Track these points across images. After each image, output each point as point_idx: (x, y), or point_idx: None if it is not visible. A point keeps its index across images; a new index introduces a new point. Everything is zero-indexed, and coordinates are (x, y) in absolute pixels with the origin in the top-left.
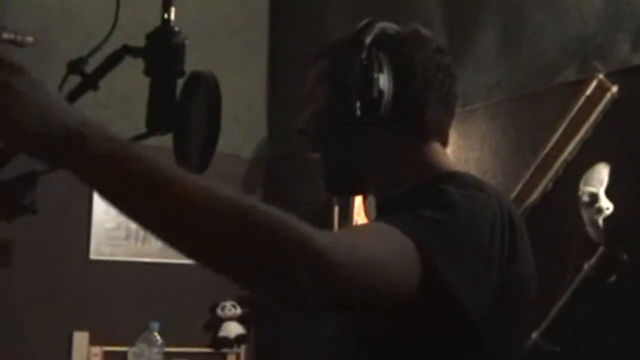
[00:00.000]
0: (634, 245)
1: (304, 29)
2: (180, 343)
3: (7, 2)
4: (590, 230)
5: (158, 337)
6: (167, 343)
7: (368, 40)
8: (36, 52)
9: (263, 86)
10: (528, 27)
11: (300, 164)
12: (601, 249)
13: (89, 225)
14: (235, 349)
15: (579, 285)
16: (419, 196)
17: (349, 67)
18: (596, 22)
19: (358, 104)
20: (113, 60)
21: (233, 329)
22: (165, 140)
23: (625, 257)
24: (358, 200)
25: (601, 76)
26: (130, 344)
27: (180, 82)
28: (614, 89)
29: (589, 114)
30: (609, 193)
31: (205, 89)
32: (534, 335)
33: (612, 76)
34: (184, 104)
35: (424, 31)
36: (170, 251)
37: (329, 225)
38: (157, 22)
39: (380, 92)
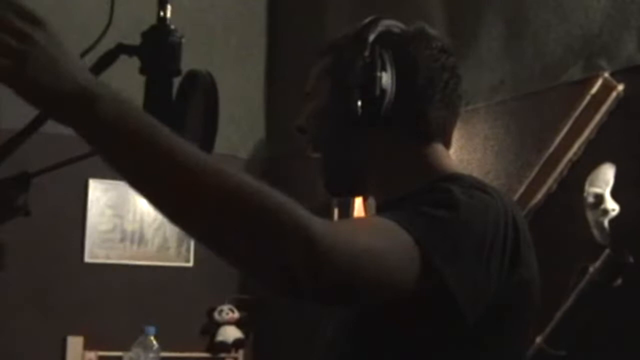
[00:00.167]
0: None
1: (303, 28)
2: (176, 348)
3: None
4: (595, 232)
5: (154, 342)
6: (163, 348)
7: (372, 37)
8: None
9: (261, 86)
10: (532, 25)
11: (298, 165)
12: (607, 251)
13: (83, 228)
14: (233, 354)
15: (584, 289)
16: (421, 195)
17: (351, 64)
18: (601, 19)
19: (359, 103)
20: (107, 59)
21: (231, 333)
22: None
23: (631, 259)
24: (358, 201)
25: (606, 75)
26: (126, 348)
27: (176, 82)
28: (620, 87)
29: (594, 113)
30: (614, 194)
31: (202, 89)
32: (538, 339)
33: (617, 75)
34: (180, 103)
35: (430, 30)
36: (167, 254)
37: None
38: (153, 20)
39: (383, 91)
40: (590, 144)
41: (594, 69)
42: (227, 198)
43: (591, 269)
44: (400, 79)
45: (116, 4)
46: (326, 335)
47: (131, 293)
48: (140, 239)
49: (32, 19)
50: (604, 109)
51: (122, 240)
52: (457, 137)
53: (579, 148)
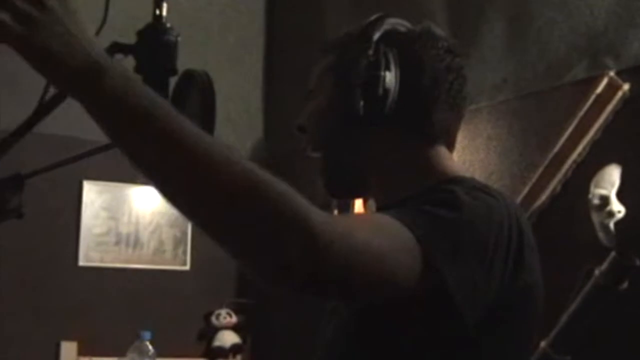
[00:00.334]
0: None
1: (302, 26)
2: (173, 353)
3: None
4: (601, 234)
5: (150, 347)
6: (159, 353)
7: (377, 35)
8: None
9: (259, 85)
10: (535, 23)
11: (297, 166)
12: (612, 254)
13: (77, 230)
14: (230, 359)
15: (589, 292)
16: (423, 196)
17: (354, 62)
18: (607, 17)
19: (362, 102)
20: None
21: (228, 338)
22: None
23: (637, 262)
24: (358, 203)
25: (612, 74)
26: (121, 354)
27: (172, 81)
28: (626, 87)
29: (600, 113)
30: (620, 196)
31: (199, 89)
32: (543, 344)
33: (623, 74)
34: (176, 103)
35: (437, 30)
36: (163, 257)
37: None
38: (149, 19)
39: (386, 91)
40: (595, 144)
41: (599, 67)
42: (230, 183)
43: (596, 272)
44: (404, 78)
45: (111, 2)
46: (325, 336)
47: (126, 297)
48: (135, 241)
49: None
50: (609, 108)
51: (117, 243)
52: (459, 137)
53: (583, 149)
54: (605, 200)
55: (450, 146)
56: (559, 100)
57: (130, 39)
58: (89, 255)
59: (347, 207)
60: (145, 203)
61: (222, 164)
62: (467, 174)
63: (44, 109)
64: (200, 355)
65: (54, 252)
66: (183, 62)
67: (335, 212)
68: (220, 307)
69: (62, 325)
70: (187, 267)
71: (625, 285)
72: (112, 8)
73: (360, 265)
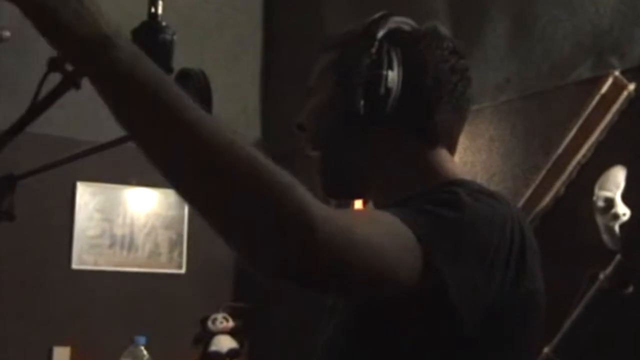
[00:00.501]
0: None
1: (300, 23)
2: (168, 358)
3: None
4: (605, 237)
5: (144, 352)
6: (154, 358)
7: (380, 34)
8: (13, 48)
9: (256, 84)
10: (539, 21)
11: (295, 166)
12: (617, 257)
13: (70, 233)
14: None
15: (593, 297)
16: (424, 196)
17: (356, 60)
18: (612, 15)
19: (362, 101)
20: None
21: (225, 343)
22: None
23: None
24: (358, 204)
25: (617, 73)
26: (115, 359)
27: None
28: (631, 86)
29: (604, 113)
30: (625, 198)
31: (195, 88)
32: (546, 349)
33: (629, 73)
34: None
35: (443, 30)
36: (158, 261)
37: None
38: (144, 17)
39: (388, 90)
40: (600, 145)
41: (604, 67)
42: (233, 167)
43: (601, 276)
44: (407, 78)
45: None
46: (325, 335)
47: (121, 301)
48: (130, 244)
49: None
50: (614, 108)
51: (111, 245)
52: (461, 138)
53: (588, 150)
54: (610, 202)
55: (452, 148)
56: (562, 101)
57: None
58: (82, 258)
59: (347, 208)
60: (140, 205)
61: (227, 147)
62: (468, 177)
63: (37, 108)
64: None
65: (47, 254)
66: (179, 61)
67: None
68: (217, 311)
69: (54, 330)
70: (183, 270)
71: (630, 289)
72: (106, 6)
73: (360, 262)
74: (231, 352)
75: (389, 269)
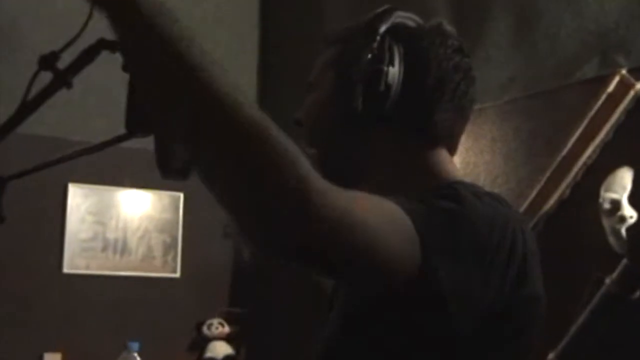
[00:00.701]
0: None
1: (298, 20)
2: None
3: None
4: (612, 240)
5: (138, 359)
6: None
7: (383, 28)
8: (2, 45)
9: (253, 82)
10: (544, 19)
11: None
12: (624, 261)
13: (62, 236)
14: None
15: (599, 302)
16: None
17: (357, 55)
18: (618, 12)
19: (361, 97)
20: (88, 55)
21: (221, 349)
22: (146, 143)
23: None
24: None
25: (624, 72)
26: None
27: None
28: (638, 85)
29: (611, 113)
30: (632, 200)
31: None
32: (551, 355)
33: (635, 72)
34: None
35: (448, 28)
36: (152, 264)
37: None
38: None
39: (388, 87)
40: (606, 146)
41: (610, 65)
42: (243, 123)
43: (607, 280)
44: (408, 75)
45: None
46: (323, 334)
47: (113, 306)
48: (123, 248)
49: None
50: (621, 108)
51: (104, 249)
52: (463, 138)
53: (594, 151)
54: (616, 204)
55: (453, 149)
56: (567, 100)
57: None
58: (74, 262)
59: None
60: (134, 207)
61: (238, 105)
62: (467, 180)
63: (27, 108)
64: None
65: (37, 258)
66: None
67: None
68: (213, 316)
69: (45, 336)
70: (178, 275)
71: (637, 294)
72: None
73: (354, 240)
74: (227, 359)
75: (384, 252)
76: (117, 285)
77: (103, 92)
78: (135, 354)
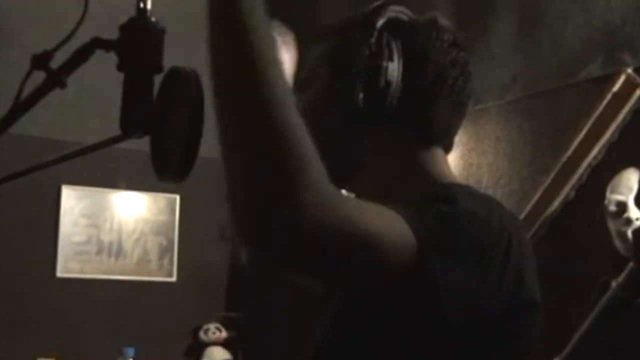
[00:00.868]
0: None
1: (296, 17)
2: None
3: None
4: (618, 243)
5: None
6: None
7: (379, 23)
8: None
9: None
10: (547, 16)
11: None
12: (630, 264)
13: (55, 239)
14: None
15: (605, 306)
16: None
17: (355, 51)
18: (624, 9)
19: (361, 94)
20: (82, 55)
21: (218, 354)
22: (141, 144)
23: None
24: None
25: (630, 70)
26: None
27: (157, 79)
28: None
29: (616, 112)
30: (639, 202)
31: (186, 87)
32: None
33: None
34: (162, 103)
35: (443, 21)
36: (147, 268)
37: None
38: (132, 12)
39: (388, 83)
40: (611, 146)
41: (616, 64)
42: (278, 123)
43: (613, 284)
44: (406, 71)
45: None
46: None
47: (108, 311)
48: (118, 251)
49: None
50: (627, 108)
51: (99, 252)
52: (465, 138)
53: (599, 151)
54: (622, 206)
55: (448, 148)
56: (572, 99)
57: (112, 34)
58: (68, 265)
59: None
60: (129, 209)
61: (283, 99)
62: (469, 181)
63: (20, 108)
64: None
65: (30, 262)
66: (169, 59)
67: None
68: (210, 321)
69: (38, 341)
70: (174, 279)
71: None
72: (93, 1)
73: (353, 238)
74: None
75: (382, 246)
76: (112, 289)
77: (97, 92)
78: (131, 359)
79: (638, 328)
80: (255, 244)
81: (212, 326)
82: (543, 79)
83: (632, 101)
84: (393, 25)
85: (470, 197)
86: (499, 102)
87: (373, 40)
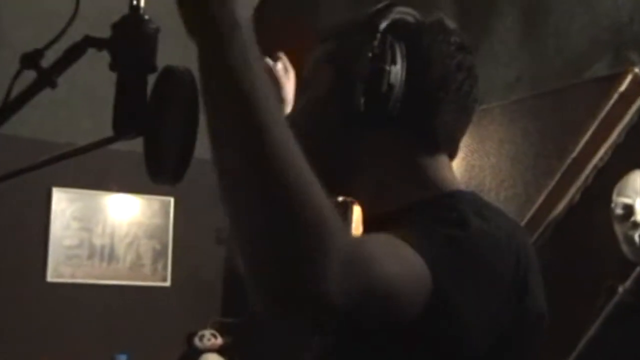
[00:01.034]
0: None
1: (294, 14)
2: None
3: None
4: (624, 247)
5: None
6: None
7: (383, 25)
8: None
9: None
10: (552, 14)
11: None
12: (638, 269)
13: (45, 243)
14: None
15: (612, 311)
16: (426, 213)
17: (357, 53)
18: (632, 7)
19: (363, 98)
20: (74, 54)
21: None
22: (134, 145)
23: None
24: (357, 210)
25: (637, 70)
26: None
27: (151, 79)
28: None
29: (623, 113)
30: None
31: (180, 87)
32: None
33: None
34: (155, 103)
35: (449, 23)
36: (141, 273)
37: None
38: (125, 10)
39: (391, 87)
40: (618, 148)
41: (623, 63)
42: (286, 186)
43: (620, 289)
44: (410, 75)
45: None
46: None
47: (100, 316)
48: (110, 255)
49: None
50: (634, 108)
51: (90, 256)
52: (468, 140)
53: (605, 153)
54: (629, 209)
55: (453, 154)
56: (578, 100)
57: (105, 32)
58: (58, 270)
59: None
60: (121, 212)
61: (292, 172)
62: (471, 184)
63: (9, 108)
64: None
65: (20, 266)
66: (163, 58)
67: None
68: (204, 327)
69: (28, 348)
70: (168, 283)
71: None
72: None
73: (377, 293)
74: None
75: (408, 302)
76: (104, 294)
77: (89, 92)
78: None
79: None
80: (277, 310)
81: (207, 333)
82: (548, 79)
83: (639, 101)
84: (398, 27)
85: (478, 214)
86: (502, 103)
87: (376, 42)
